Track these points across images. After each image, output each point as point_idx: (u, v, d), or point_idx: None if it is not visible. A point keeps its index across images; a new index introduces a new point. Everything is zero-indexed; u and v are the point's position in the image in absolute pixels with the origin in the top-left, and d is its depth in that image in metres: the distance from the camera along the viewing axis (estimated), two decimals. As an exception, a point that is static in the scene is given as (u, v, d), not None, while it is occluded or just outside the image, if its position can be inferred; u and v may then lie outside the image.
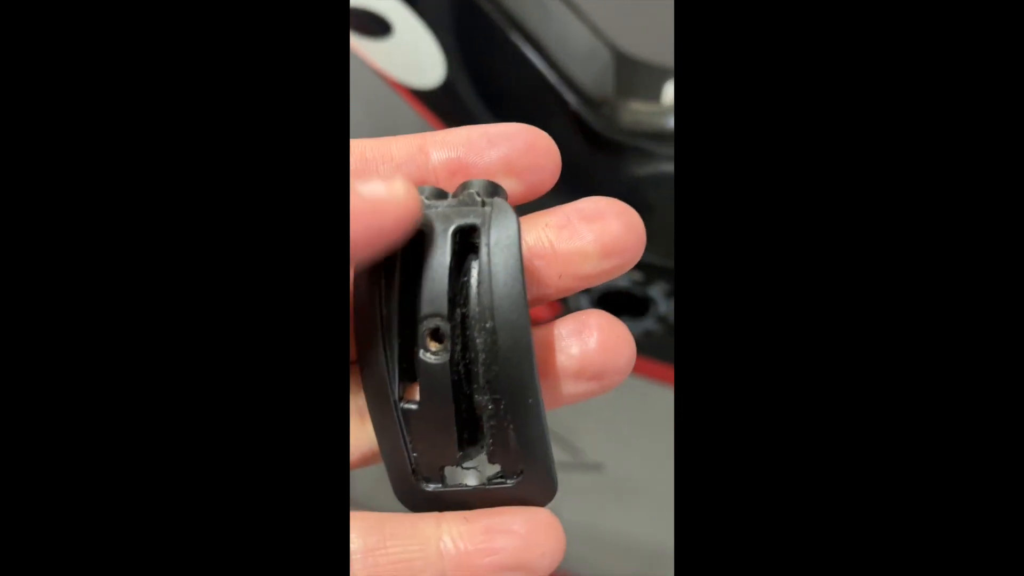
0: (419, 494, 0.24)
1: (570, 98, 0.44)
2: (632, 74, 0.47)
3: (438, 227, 0.23)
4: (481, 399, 0.23)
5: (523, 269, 0.23)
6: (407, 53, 0.42)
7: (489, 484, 0.24)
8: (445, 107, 0.43)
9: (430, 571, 0.23)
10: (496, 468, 0.24)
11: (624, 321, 0.50)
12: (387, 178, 0.22)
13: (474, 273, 0.23)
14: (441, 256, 0.23)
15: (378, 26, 0.41)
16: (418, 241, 0.23)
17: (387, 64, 0.42)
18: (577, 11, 0.45)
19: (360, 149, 0.26)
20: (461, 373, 0.23)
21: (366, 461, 0.26)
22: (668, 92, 0.46)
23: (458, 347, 0.23)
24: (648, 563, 0.86)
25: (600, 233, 0.24)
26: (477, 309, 0.23)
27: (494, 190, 0.24)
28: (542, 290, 0.25)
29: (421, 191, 0.24)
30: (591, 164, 0.45)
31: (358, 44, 0.42)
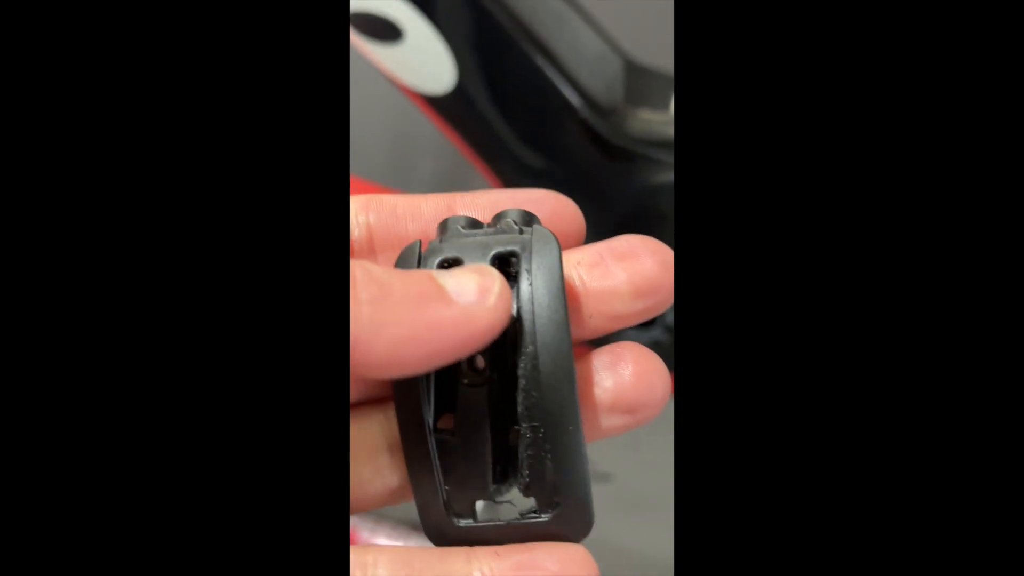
0: (450, 530, 0.23)
1: (579, 105, 0.44)
2: (642, 83, 0.46)
3: (477, 254, 0.23)
4: (519, 428, 0.22)
5: (565, 292, 0.22)
6: (418, 59, 0.42)
7: (523, 519, 0.23)
8: (456, 113, 0.43)
9: None
10: (530, 503, 0.23)
11: (631, 331, 0.50)
12: (480, 272, 0.21)
13: (513, 300, 0.22)
14: None
15: (389, 31, 0.41)
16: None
17: (398, 69, 0.43)
18: (589, 18, 0.45)
19: (391, 204, 0.25)
20: (499, 401, 0.23)
21: (394, 499, 0.25)
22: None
23: (496, 375, 0.23)
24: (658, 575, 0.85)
25: (633, 272, 0.23)
26: (523, 323, 0.22)
27: (529, 219, 0.24)
28: (572, 331, 0.24)
29: (456, 220, 0.24)
30: (602, 172, 0.45)
31: (369, 49, 0.42)
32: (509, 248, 0.23)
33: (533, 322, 0.22)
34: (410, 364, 0.20)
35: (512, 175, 0.44)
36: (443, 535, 0.23)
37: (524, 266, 0.22)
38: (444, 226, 0.24)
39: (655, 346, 0.52)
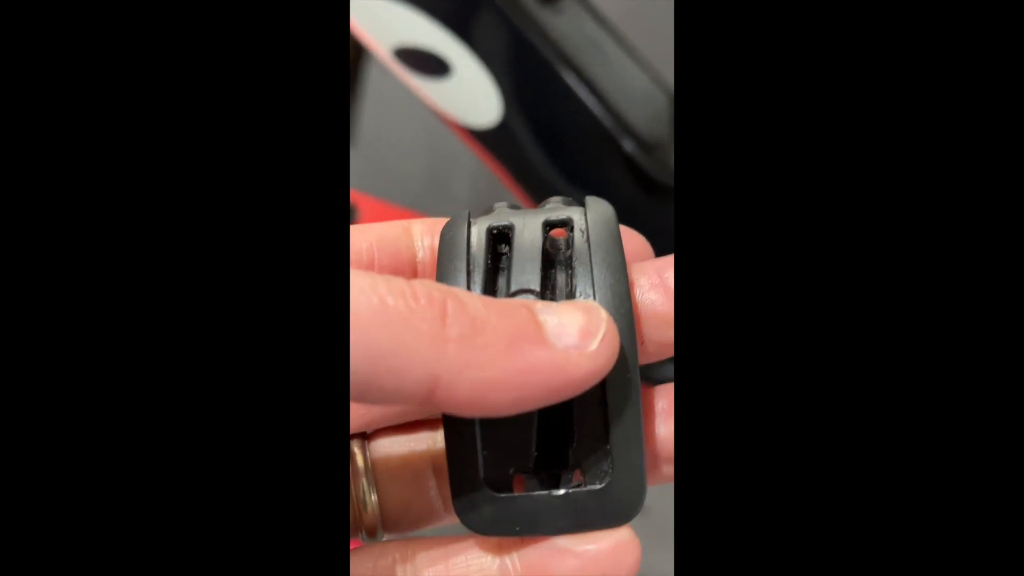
0: (485, 503, 0.21)
1: (624, 142, 0.44)
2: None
3: (530, 222, 0.22)
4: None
5: (622, 247, 0.21)
6: (465, 93, 0.42)
7: (570, 490, 0.20)
8: (501, 147, 0.44)
9: None
10: (575, 480, 0.21)
11: (664, 364, 0.49)
12: (586, 311, 0.19)
13: (561, 264, 0.21)
14: (534, 240, 0.21)
15: (437, 66, 0.41)
16: (507, 237, 0.22)
17: (445, 103, 0.43)
18: (634, 54, 0.46)
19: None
20: None
21: (435, 519, 0.24)
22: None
23: None
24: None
25: None
26: (573, 285, 0.21)
27: (573, 203, 0.23)
28: None
29: (500, 204, 0.23)
30: (645, 209, 0.44)
31: (417, 83, 0.42)
32: (562, 216, 0.21)
33: (591, 267, 0.21)
34: (494, 408, 0.18)
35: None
36: (477, 510, 0.21)
37: (579, 226, 0.21)
38: (490, 208, 0.23)
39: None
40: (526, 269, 0.21)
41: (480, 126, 0.43)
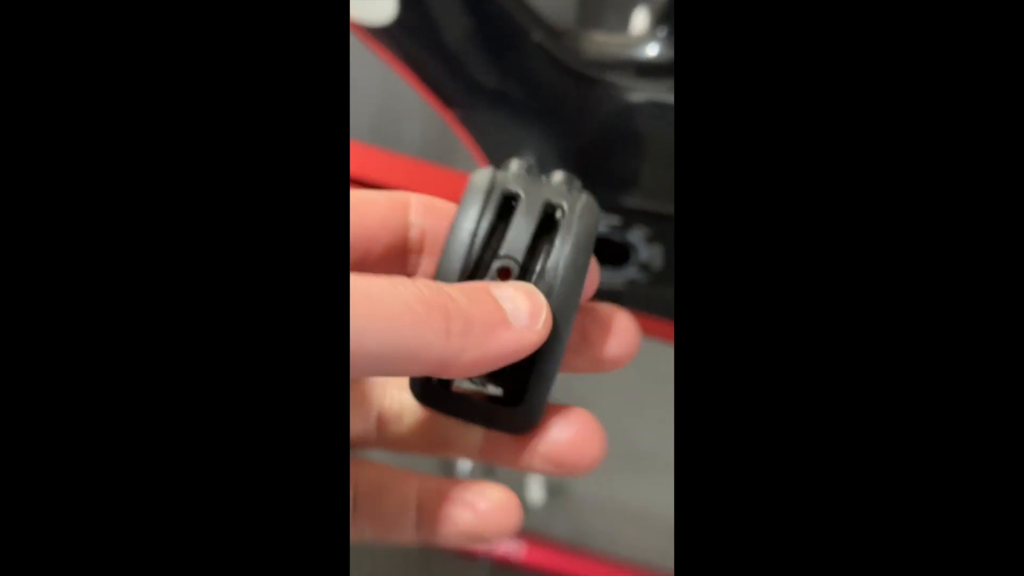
0: (430, 386, 0.29)
1: (533, 32, 0.42)
2: (597, 3, 0.45)
3: (533, 196, 0.28)
4: None
5: (592, 243, 0.28)
6: (355, -13, 0.40)
7: (490, 402, 0.29)
8: (400, 44, 0.42)
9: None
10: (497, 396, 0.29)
11: (605, 270, 0.48)
12: (528, 296, 0.27)
13: (549, 245, 0.28)
14: (530, 217, 0.28)
15: (322, -41, 0.39)
16: (511, 204, 0.28)
17: (334, -1, 0.41)
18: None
19: (448, 212, 0.30)
20: None
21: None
22: (637, 21, 0.45)
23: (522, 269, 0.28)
24: (666, 534, 0.84)
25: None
26: (548, 264, 0.28)
27: (573, 181, 0.30)
28: None
29: (521, 164, 0.29)
30: (565, 95, 0.43)
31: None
32: (559, 201, 0.28)
33: (561, 257, 0.27)
34: (477, 371, 0.26)
35: (465, 97, 0.42)
36: (422, 388, 0.29)
37: (569, 218, 0.28)
38: (508, 165, 0.30)
39: (632, 285, 0.50)
40: (519, 241, 0.28)
41: (375, 23, 0.41)
